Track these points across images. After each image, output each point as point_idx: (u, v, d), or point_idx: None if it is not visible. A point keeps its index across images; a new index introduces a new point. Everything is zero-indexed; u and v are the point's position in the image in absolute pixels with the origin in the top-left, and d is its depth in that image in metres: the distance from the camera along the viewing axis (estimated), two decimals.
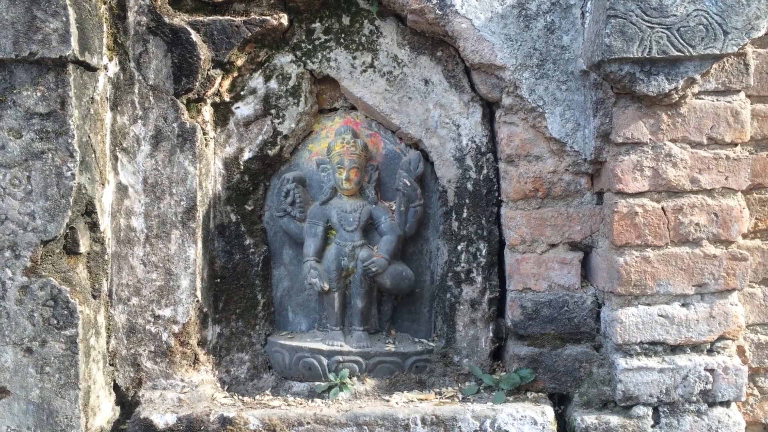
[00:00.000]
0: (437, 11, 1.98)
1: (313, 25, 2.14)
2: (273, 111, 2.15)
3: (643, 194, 1.88)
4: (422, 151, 2.17)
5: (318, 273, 2.14)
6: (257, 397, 2.07)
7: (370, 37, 2.13)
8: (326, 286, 2.14)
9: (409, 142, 2.18)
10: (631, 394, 1.89)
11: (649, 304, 1.90)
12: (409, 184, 2.14)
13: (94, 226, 1.95)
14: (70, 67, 1.84)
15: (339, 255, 2.15)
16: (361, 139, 2.18)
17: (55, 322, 1.85)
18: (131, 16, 2.02)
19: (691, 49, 1.73)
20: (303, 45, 2.14)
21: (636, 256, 1.88)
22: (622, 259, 1.88)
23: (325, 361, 2.10)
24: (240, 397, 2.06)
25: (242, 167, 2.16)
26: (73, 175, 1.86)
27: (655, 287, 1.89)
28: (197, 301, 2.05)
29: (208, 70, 2.05)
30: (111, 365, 2.04)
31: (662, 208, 1.88)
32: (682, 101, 1.84)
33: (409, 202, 2.16)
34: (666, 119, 1.86)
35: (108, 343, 2.03)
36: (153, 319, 2.05)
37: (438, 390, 2.06)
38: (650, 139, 1.86)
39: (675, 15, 1.73)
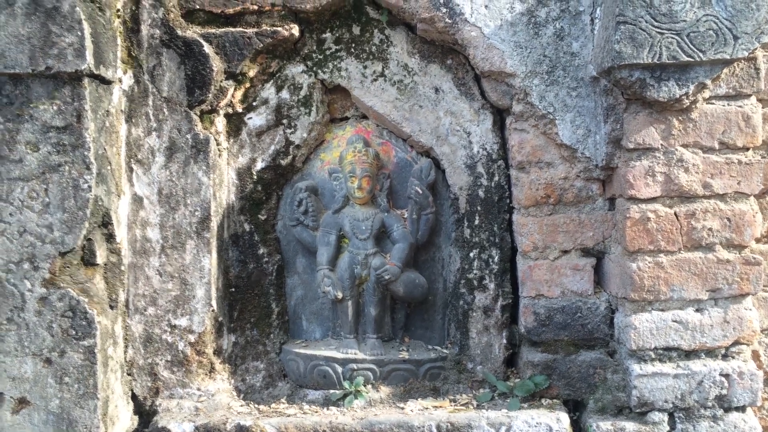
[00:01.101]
0: (447, 20, 2.00)
1: (324, 36, 2.16)
2: (285, 121, 2.18)
3: (655, 200, 1.89)
4: (433, 159, 2.18)
5: (331, 281, 2.16)
6: (273, 405, 2.09)
7: (381, 46, 2.15)
8: (340, 295, 2.16)
9: (420, 150, 2.20)
10: (646, 400, 1.89)
11: (662, 310, 1.91)
12: (420, 191, 2.16)
13: (110, 238, 1.98)
14: (86, 80, 1.88)
15: (352, 263, 2.17)
16: (373, 148, 2.20)
17: (74, 332, 1.88)
18: (145, 30, 2.06)
19: (701, 55, 1.74)
20: (314, 55, 2.17)
21: (649, 262, 1.89)
22: (635, 264, 1.89)
23: (339, 369, 2.11)
24: (256, 405, 2.08)
25: (255, 177, 2.19)
26: (89, 187, 1.89)
27: (669, 293, 1.89)
28: (212, 310, 2.08)
29: (221, 81, 2.09)
30: (129, 375, 2.07)
31: (675, 213, 1.88)
32: (693, 106, 1.85)
33: (421, 210, 2.17)
34: (677, 124, 1.87)
35: (125, 352, 2.06)
36: (169, 329, 2.07)
37: (452, 397, 2.07)
38: (662, 145, 1.87)
39: (685, 20, 1.74)
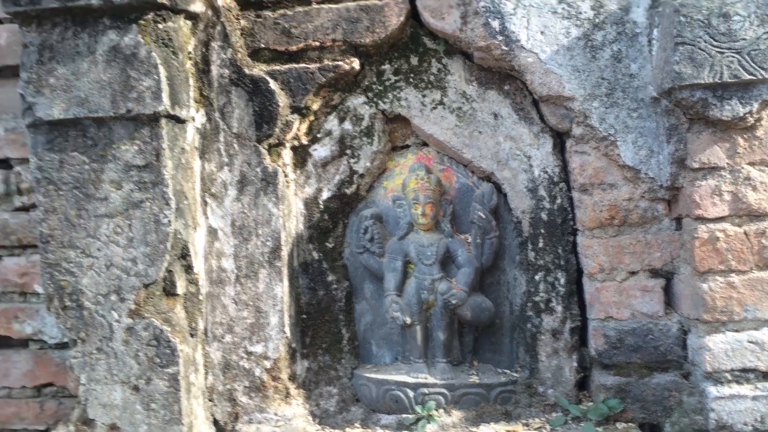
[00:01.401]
0: (503, 47, 2.07)
1: (383, 67, 2.27)
2: (348, 151, 2.29)
3: (723, 219, 1.89)
4: (495, 184, 2.24)
5: (400, 307, 2.24)
6: (347, 429, 2.17)
7: (438, 75, 2.24)
8: (408, 320, 2.23)
9: (481, 175, 2.26)
10: (725, 422, 1.89)
11: (737, 331, 1.90)
12: (483, 216, 2.22)
13: (189, 269, 2.12)
14: (163, 121, 2.03)
15: (419, 288, 2.24)
16: (435, 175, 2.28)
17: (159, 360, 2.03)
18: (214, 70, 2.20)
19: (763, 72, 1.75)
20: (374, 86, 2.28)
21: (720, 282, 1.89)
22: (706, 285, 1.90)
23: (411, 394, 2.18)
24: (331, 429, 2.17)
25: (322, 206, 2.30)
26: (169, 221, 2.04)
27: (743, 313, 1.89)
28: (286, 337, 2.19)
29: (287, 115, 2.21)
30: (210, 401, 2.20)
31: (744, 232, 1.88)
32: (758, 124, 1.86)
33: (485, 234, 2.23)
34: (742, 143, 1.87)
35: (206, 379, 2.19)
36: (246, 356, 2.20)
37: (525, 421, 2.10)
38: (727, 164, 1.88)
39: (744, 39, 1.76)
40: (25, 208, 2.33)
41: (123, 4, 1.99)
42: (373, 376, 2.25)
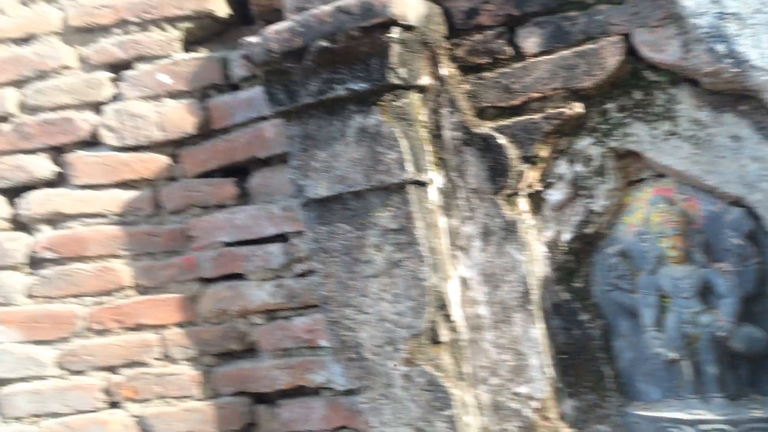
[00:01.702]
0: (733, 69, 2.02)
1: (606, 106, 2.32)
2: (582, 192, 2.36)
3: None
4: (746, 207, 2.16)
5: (662, 342, 2.24)
6: None
7: (666, 105, 2.24)
8: (673, 356, 2.22)
9: (728, 200, 2.19)
10: None
11: None
12: (739, 243, 2.16)
13: (447, 317, 2.34)
14: (409, 187, 2.28)
15: (680, 322, 2.22)
16: (677, 206, 2.26)
17: (436, 404, 2.26)
18: (446, 133, 2.41)
19: None
20: (600, 126, 2.33)
21: None
22: None
23: (689, 431, 2.15)
24: None
25: (563, 248, 2.39)
26: (426, 277, 2.28)
27: None
28: (549, 377, 2.31)
29: (518, 166, 2.36)
30: None
31: None
32: None
33: (743, 261, 2.16)
34: None
35: (478, 420, 2.37)
36: (513, 397, 2.35)
37: None
38: None
39: None
40: (303, 274, 2.72)
41: (365, 91, 2.30)
42: (645, 413, 2.25)
